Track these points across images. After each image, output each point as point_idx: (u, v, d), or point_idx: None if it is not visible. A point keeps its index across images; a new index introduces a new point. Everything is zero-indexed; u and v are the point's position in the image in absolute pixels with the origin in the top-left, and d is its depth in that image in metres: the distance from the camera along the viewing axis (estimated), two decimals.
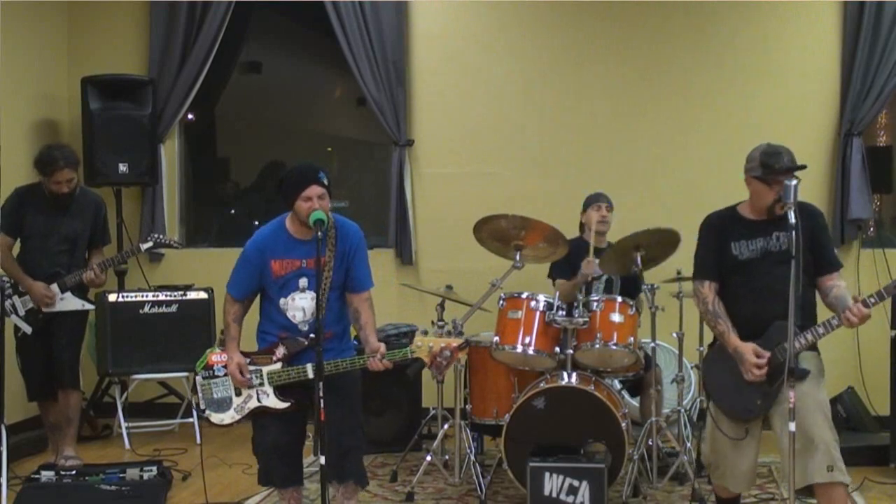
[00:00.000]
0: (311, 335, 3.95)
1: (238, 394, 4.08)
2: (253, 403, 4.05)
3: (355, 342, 4.31)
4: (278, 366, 4.02)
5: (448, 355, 3.78)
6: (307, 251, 3.94)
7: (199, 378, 4.16)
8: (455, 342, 3.83)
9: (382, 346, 3.94)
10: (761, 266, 3.82)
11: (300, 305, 4.01)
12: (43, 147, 5.51)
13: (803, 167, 3.79)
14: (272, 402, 4.02)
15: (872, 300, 3.59)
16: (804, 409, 3.62)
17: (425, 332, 4.02)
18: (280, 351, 4.02)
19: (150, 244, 5.76)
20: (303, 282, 4.01)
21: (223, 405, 4.10)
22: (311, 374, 3.90)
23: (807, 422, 3.62)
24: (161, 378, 6.50)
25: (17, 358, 5.52)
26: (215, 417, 4.13)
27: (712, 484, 4.20)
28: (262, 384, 4.03)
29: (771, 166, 3.77)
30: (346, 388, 4.02)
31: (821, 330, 3.69)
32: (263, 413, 4.04)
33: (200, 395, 4.16)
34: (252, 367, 4.05)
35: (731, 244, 3.89)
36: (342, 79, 7.14)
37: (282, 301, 4.04)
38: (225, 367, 4.08)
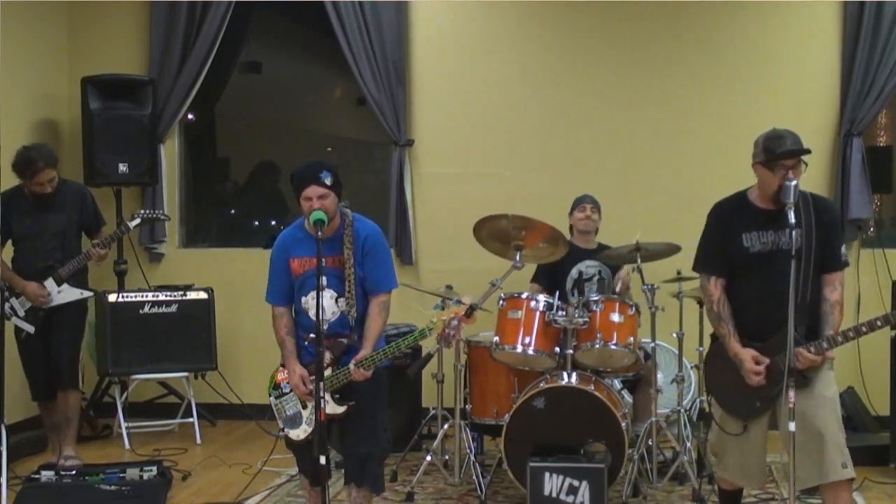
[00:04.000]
0: (343, 335, 3.94)
1: (304, 407, 4.07)
2: None
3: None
4: (329, 371, 3.95)
5: (456, 324, 3.76)
6: (324, 249, 3.85)
7: (272, 399, 4.17)
8: (461, 310, 3.79)
9: (363, 352, 3.89)
10: (771, 263, 3.69)
11: (321, 304, 3.83)
12: (19, 150, 5.38)
13: (808, 151, 3.69)
14: (333, 408, 3.93)
15: (826, 345, 3.56)
16: (813, 408, 3.61)
17: (440, 307, 3.97)
18: (327, 356, 3.94)
19: (137, 220, 5.73)
20: (322, 280, 3.88)
21: (296, 421, 4.09)
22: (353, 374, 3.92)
23: (817, 420, 3.60)
24: (161, 378, 6.50)
25: (21, 359, 5.52)
26: (292, 434, 4.11)
27: (716, 477, 4.19)
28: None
29: (773, 151, 3.66)
30: (376, 390, 4.01)
31: (825, 345, 3.60)
32: (330, 421, 3.92)
33: (277, 415, 4.16)
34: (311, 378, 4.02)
35: (741, 235, 3.76)
36: (342, 79, 7.14)
37: (303, 300, 4.03)
38: (289, 382, 4.08)
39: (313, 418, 3.97)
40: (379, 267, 4.04)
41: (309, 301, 3.98)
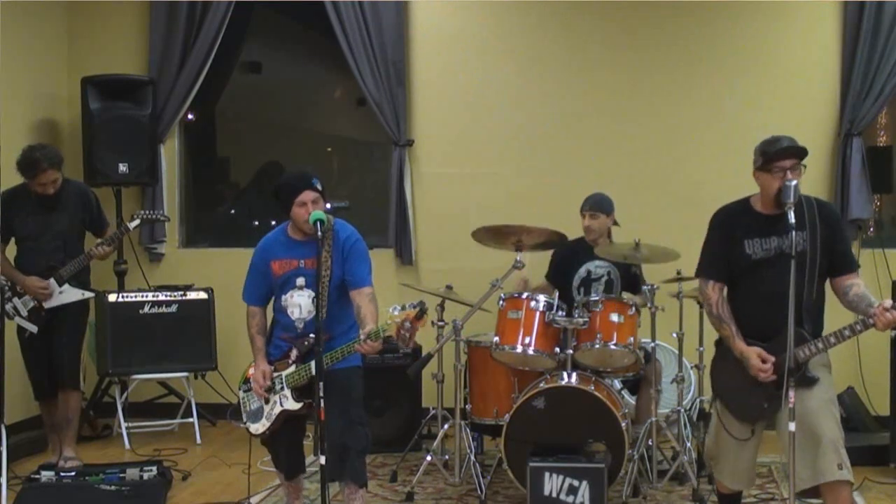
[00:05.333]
0: (311, 335, 4.03)
1: (266, 402, 4.20)
2: (277, 409, 4.16)
3: None
4: (293, 368, 4.12)
5: (409, 326, 3.83)
6: (305, 252, 4.12)
7: (240, 393, 4.33)
8: (412, 313, 3.85)
9: (369, 326, 3.94)
10: (775, 267, 3.69)
11: (297, 302, 4.15)
12: (25, 149, 5.38)
13: (803, 149, 3.71)
14: (291, 404, 4.12)
15: None
16: (812, 409, 3.61)
17: (395, 309, 4.01)
18: (293, 353, 4.13)
19: (137, 222, 5.73)
20: (300, 280, 4.15)
21: (258, 415, 4.24)
22: (313, 371, 3.96)
23: (814, 421, 3.60)
24: (161, 378, 6.51)
25: (24, 359, 5.53)
26: (252, 428, 4.27)
27: (714, 479, 4.19)
28: (282, 388, 4.15)
29: (769, 152, 3.71)
30: (344, 387, 4.06)
31: (832, 339, 3.60)
32: (290, 417, 4.13)
33: (242, 409, 4.32)
34: (275, 374, 4.17)
35: (744, 242, 3.78)
36: (342, 79, 7.14)
37: (283, 298, 4.19)
38: (252, 378, 4.23)
39: (273, 414, 4.17)
40: (360, 263, 4.16)
41: (287, 300, 4.18)
